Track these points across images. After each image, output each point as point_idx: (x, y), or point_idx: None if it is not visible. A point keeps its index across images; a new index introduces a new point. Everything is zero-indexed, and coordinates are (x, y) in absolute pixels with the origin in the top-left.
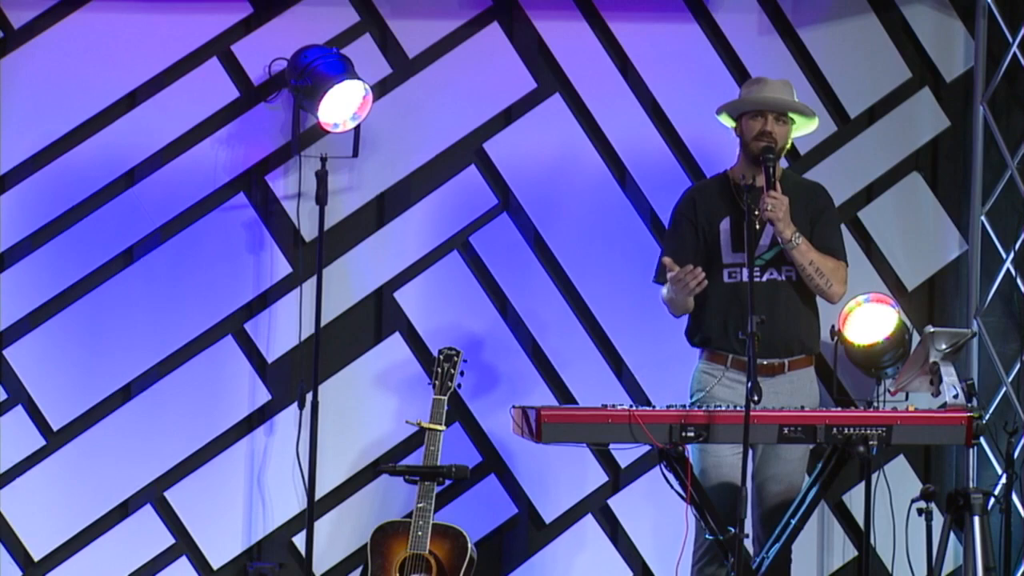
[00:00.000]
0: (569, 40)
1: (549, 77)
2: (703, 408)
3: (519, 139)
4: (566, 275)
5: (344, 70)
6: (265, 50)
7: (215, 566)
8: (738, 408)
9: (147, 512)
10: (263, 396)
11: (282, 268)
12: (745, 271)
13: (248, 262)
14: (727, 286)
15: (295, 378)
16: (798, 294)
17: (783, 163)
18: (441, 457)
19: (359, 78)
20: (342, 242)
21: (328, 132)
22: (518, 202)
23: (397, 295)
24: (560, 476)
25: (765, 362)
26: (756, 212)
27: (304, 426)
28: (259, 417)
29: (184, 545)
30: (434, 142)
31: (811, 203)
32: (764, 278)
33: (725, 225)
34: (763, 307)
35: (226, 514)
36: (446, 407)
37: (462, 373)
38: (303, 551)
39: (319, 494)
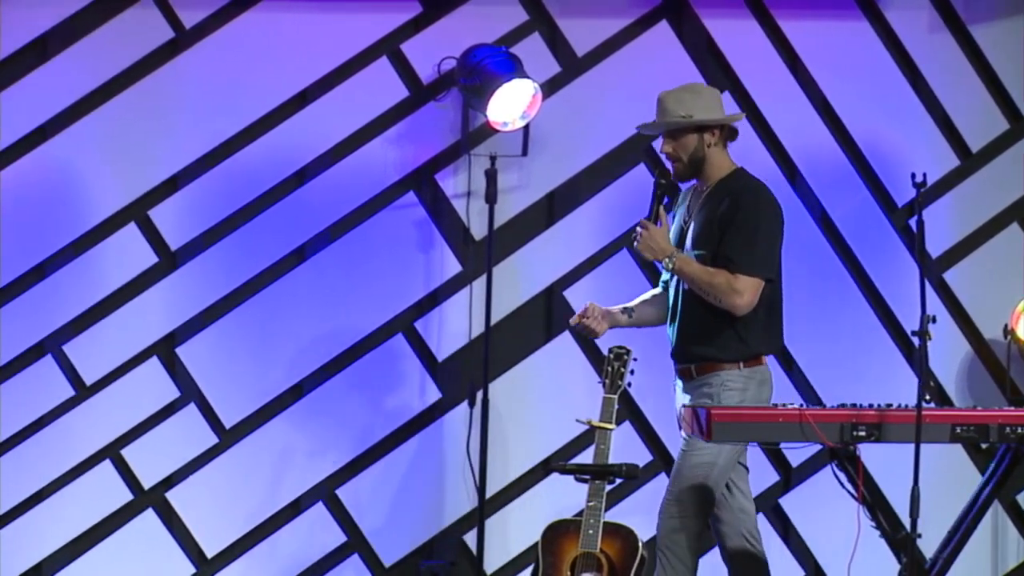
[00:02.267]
0: (738, 38)
1: (718, 75)
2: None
3: None
4: None
5: (513, 69)
6: (434, 49)
7: (386, 564)
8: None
9: (319, 510)
10: (433, 394)
11: (452, 266)
12: (674, 280)
13: (418, 260)
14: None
15: (465, 376)
16: (702, 303)
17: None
18: (611, 456)
19: (528, 77)
20: (512, 240)
21: (497, 131)
22: None
23: (567, 293)
24: None
25: (680, 366)
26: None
27: (474, 424)
28: (430, 415)
29: (356, 543)
30: (603, 140)
31: (723, 209)
32: (681, 287)
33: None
34: (676, 313)
35: (397, 512)
36: (616, 406)
37: (632, 372)
38: (474, 549)
39: (489, 492)
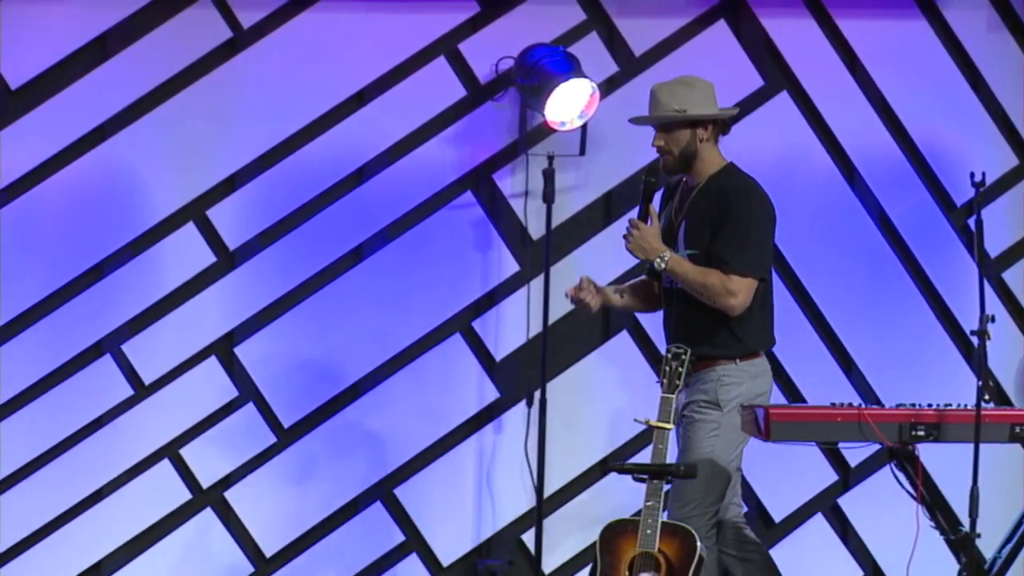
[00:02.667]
0: (797, 37)
1: (776, 75)
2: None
3: (746, 137)
4: (794, 273)
5: (571, 68)
6: (492, 49)
7: (444, 563)
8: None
9: (377, 509)
10: (491, 394)
11: (510, 266)
12: (665, 277)
13: (476, 260)
14: (661, 290)
15: (523, 376)
16: (695, 301)
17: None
18: (669, 455)
19: (586, 76)
20: (569, 240)
21: (555, 130)
22: None
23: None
24: (789, 475)
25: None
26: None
27: (532, 424)
28: (487, 415)
29: (414, 542)
30: None
31: (715, 209)
32: (673, 284)
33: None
34: (670, 312)
35: (455, 512)
36: (674, 405)
37: (690, 372)
38: (532, 549)
39: (548, 492)
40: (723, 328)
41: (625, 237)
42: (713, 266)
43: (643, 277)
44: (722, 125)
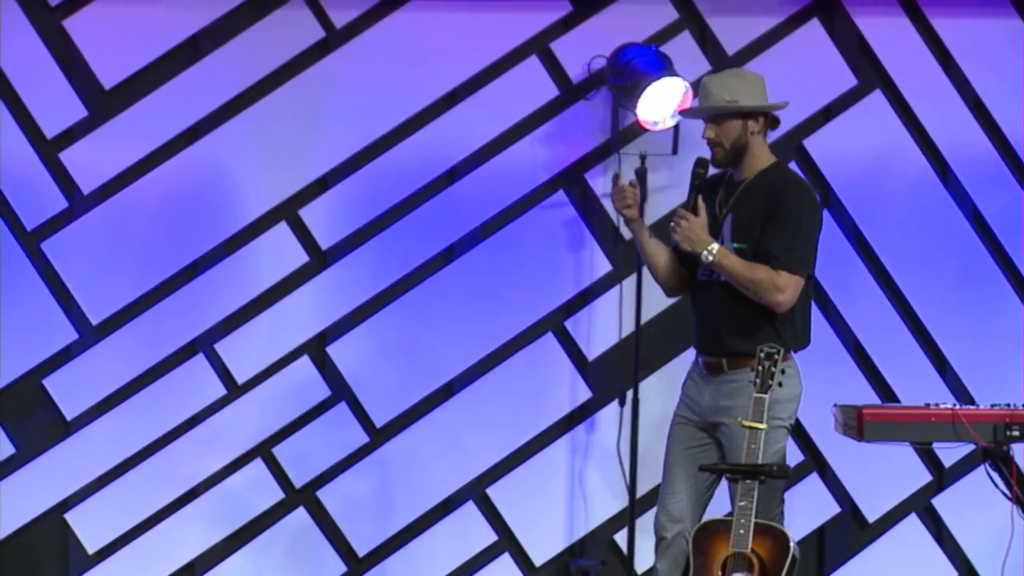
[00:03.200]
0: (890, 36)
1: (870, 73)
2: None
3: (839, 136)
4: (888, 273)
5: (663, 67)
6: (584, 48)
7: (537, 563)
8: (686, 402)
9: (469, 509)
10: (584, 394)
11: (602, 266)
12: (699, 268)
13: (568, 260)
14: (694, 283)
15: (616, 375)
16: (735, 294)
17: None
18: (762, 455)
19: (678, 75)
20: (662, 239)
21: (647, 130)
22: (838, 199)
23: None
24: (883, 475)
25: (708, 359)
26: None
27: (625, 423)
28: (580, 414)
29: (506, 542)
30: None
31: (767, 203)
32: (711, 278)
33: None
34: (705, 305)
35: (548, 511)
36: (767, 405)
37: (783, 372)
38: (624, 549)
39: (640, 492)
40: (765, 325)
41: (672, 227)
42: (760, 261)
43: (669, 250)
44: (772, 119)
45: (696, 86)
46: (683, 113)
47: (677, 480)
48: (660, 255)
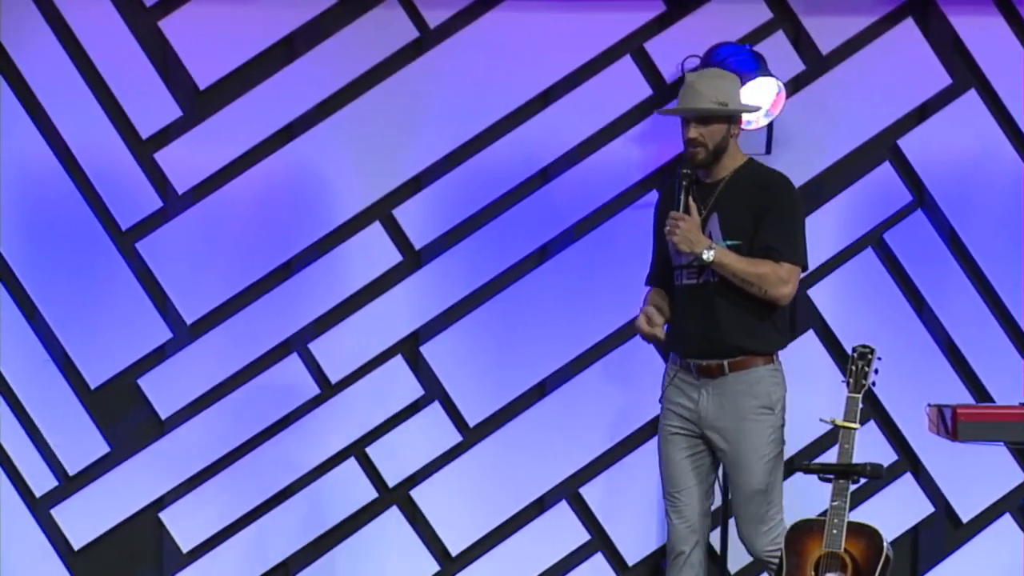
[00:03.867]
0: (985, 35)
1: (964, 73)
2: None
3: (934, 135)
4: (982, 273)
5: (757, 67)
6: (678, 48)
7: (630, 563)
8: (677, 411)
9: (562, 508)
10: None
11: None
12: (685, 272)
13: None
14: (675, 288)
15: None
16: (736, 293)
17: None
18: (855, 455)
19: (772, 75)
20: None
21: (741, 129)
22: (933, 199)
23: (811, 292)
24: (977, 475)
25: (705, 363)
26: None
27: None
28: None
29: (599, 542)
30: (847, 139)
31: (758, 197)
32: (700, 280)
33: None
34: (700, 308)
35: (640, 511)
36: (860, 405)
37: (876, 371)
38: (718, 548)
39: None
40: (764, 322)
41: (668, 232)
42: (758, 256)
43: (650, 288)
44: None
45: (788, 86)
46: (663, 112)
47: (687, 492)
48: (664, 307)
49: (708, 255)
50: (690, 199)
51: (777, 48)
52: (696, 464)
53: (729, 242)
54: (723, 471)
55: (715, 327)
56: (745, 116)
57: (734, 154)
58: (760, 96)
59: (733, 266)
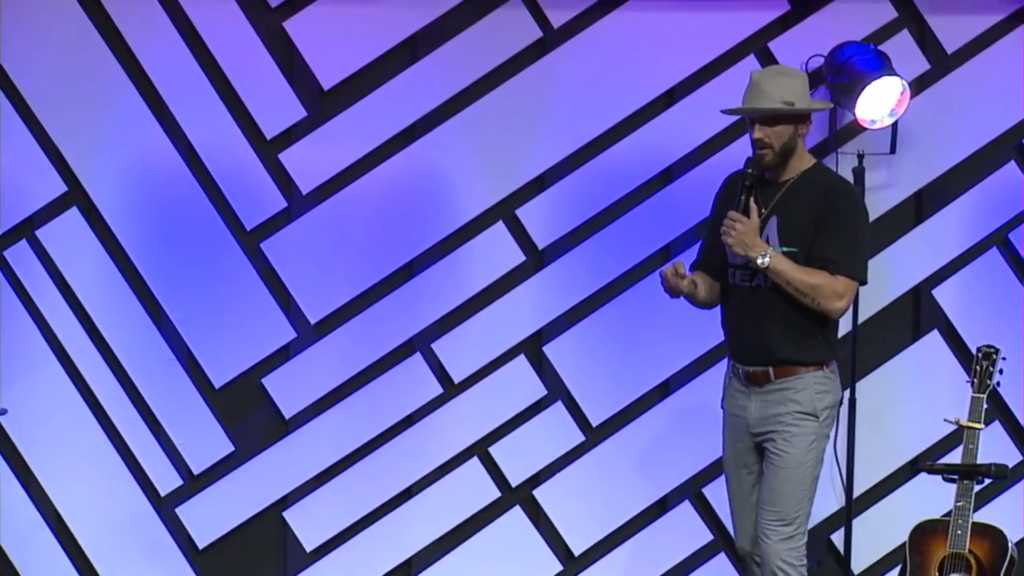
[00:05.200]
0: None
1: None
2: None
3: None
4: None
5: (882, 66)
6: (802, 47)
7: None
8: (731, 419)
9: (685, 508)
10: None
11: None
12: (738, 273)
13: None
14: (728, 287)
15: None
16: (786, 301)
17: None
18: (980, 455)
19: (897, 74)
20: (880, 239)
21: (865, 128)
22: None
23: (935, 292)
24: None
25: (752, 369)
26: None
27: (841, 424)
28: None
29: (722, 542)
30: (972, 138)
31: (820, 205)
32: (753, 283)
33: None
34: (749, 312)
35: None
36: (985, 405)
37: (1001, 371)
38: (841, 549)
39: (857, 492)
40: (816, 333)
41: (724, 232)
42: (814, 265)
43: (697, 273)
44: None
45: (913, 85)
46: (728, 112)
47: (739, 508)
48: (701, 286)
49: (762, 261)
50: (751, 201)
51: (902, 47)
52: (746, 478)
53: (786, 248)
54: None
55: (762, 335)
56: (868, 116)
57: (802, 155)
58: (884, 96)
59: (787, 274)
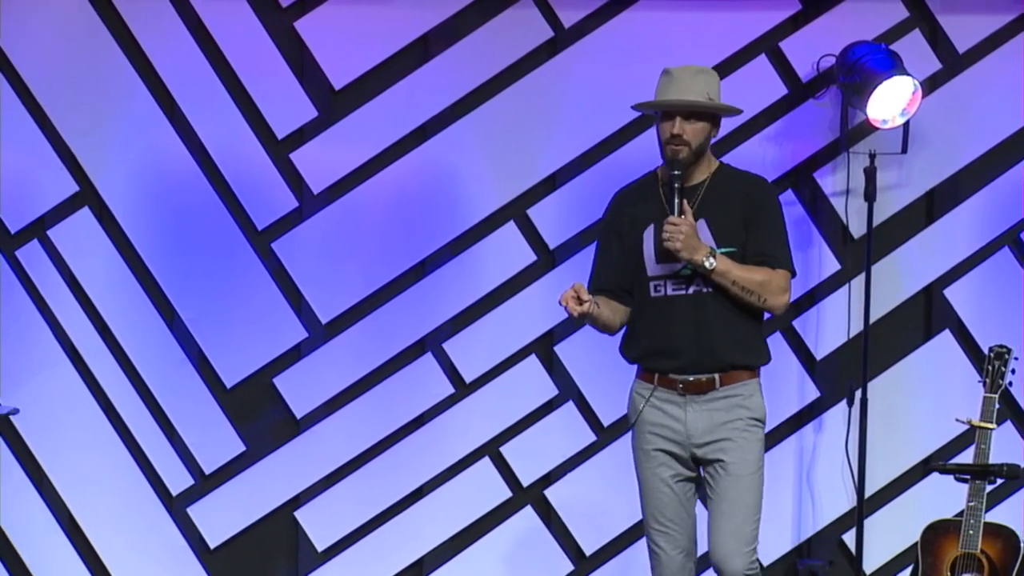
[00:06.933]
0: None
1: None
2: (633, 433)
3: None
4: None
5: (893, 66)
6: (813, 47)
7: (765, 563)
8: (659, 433)
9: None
10: (812, 393)
11: (830, 265)
12: (668, 284)
13: (796, 259)
14: (653, 301)
15: (844, 375)
16: (730, 305)
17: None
18: (992, 455)
19: (908, 74)
20: (891, 239)
21: (877, 128)
22: None
23: (947, 292)
24: None
25: (692, 378)
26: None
27: (853, 423)
28: (808, 414)
29: None
30: (984, 138)
31: (746, 202)
32: (690, 290)
33: (649, 233)
34: (690, 320)
35: (775, 511)
36: (997, 405)
37: (1013, 371)
38: (853, 549)
39: (868, 491)
40: (756, 331)
41: (666, 238)
42: (751, 263)
43: (598, 297)
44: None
45: (924, 85)
46: (640, 107)
47: (679, 519)
48: (604, 308)
49: (710, 263)
50: (685, 203)
51: (913, 47)
52: (685, 489)
53: (724, 249)
54: (708, 486)
55: (709, 341)
56: (880, 115)
57: (710, 158)
58: (896, 95)
59: (733, 273)
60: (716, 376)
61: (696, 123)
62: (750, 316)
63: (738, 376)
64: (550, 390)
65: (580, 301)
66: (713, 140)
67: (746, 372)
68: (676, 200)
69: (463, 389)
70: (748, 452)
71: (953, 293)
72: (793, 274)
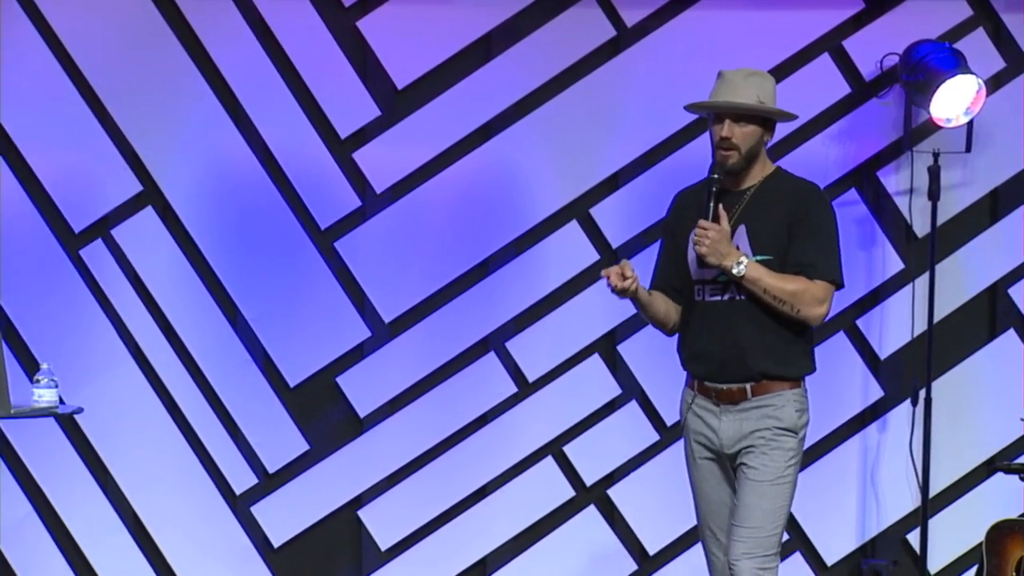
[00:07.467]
0: None
1: None
2: (683, 440)
3: None
4: None
5: (957, 65)
6: (876, 45)
7: (828, 563)
8: (700, 441)
9: None
10: (876, 392)
11: (894, 264)
12: (707, 289)
13: (860, 258)
14: (695, 305)
15: (908, 374)
16: (764, 314)
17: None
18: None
19: (972, 73)
20: (955, 238)
21: (940, 127)
22: None
23: (1011, 291)
24: None
25: (724, 387)
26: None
27: (917, 423)
28: (871, 414)
29: (797, 540)
30: None
31: (793, 209)
32: (725, 297)
33: (692, 237)
34: (721, 327)
35: (839, 511)
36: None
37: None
38: (917, 549)
39: (933, 491)
40: (794, 345)
41: (696, 242)
42: (790, 272)
43: (655, 292)
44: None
45: (988, 84)
46: (690, 108)
47: (726, 528)
48: (658, 300)
49: (738, 269)
50: (720, 208)
51: (977, 45)
52: (732, 496)
53: (759, 257)
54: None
55: (739, 350)
56: (944, 114)
57: (764, 162)
58: (960, 94)
59: (764, 282)
60: (748, 386)
61: (746, 126)
62: (786, 326)
63: (771, 387)
64: (613, 389)
65: (623, 277)
66: (768, 144)
67: (781, 383)
68: (711, 204)
69: (526, 388)
70: (771, 460)
71: (1017, 292)
72: (838, 286)
